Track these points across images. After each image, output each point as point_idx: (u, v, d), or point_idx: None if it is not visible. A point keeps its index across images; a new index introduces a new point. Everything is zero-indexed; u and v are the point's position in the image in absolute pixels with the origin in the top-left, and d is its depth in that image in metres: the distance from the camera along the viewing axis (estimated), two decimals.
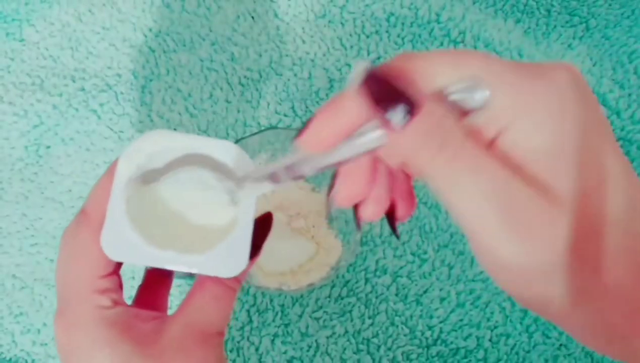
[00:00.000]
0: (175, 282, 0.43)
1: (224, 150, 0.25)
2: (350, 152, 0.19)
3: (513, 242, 0.17)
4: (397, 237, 0.24)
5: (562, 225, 0.17)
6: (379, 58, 0.49)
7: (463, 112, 0.18)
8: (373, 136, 0.19)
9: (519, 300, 0.19)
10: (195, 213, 0.26)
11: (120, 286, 0.26)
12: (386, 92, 0.17)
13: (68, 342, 0.24)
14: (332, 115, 0.19)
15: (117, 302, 0.24)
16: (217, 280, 0.25)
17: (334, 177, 0.22)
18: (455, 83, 0.18)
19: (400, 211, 0.23)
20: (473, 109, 0.18)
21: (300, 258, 0.43)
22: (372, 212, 0.22)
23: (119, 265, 0.25)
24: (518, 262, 0.17)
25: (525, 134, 0.17)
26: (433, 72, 0.18)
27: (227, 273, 0.24)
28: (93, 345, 0.23)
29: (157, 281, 0.31)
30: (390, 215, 0.23)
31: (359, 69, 0.17)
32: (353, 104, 0.18)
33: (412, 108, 0.17)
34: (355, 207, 0.23)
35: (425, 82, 0.18)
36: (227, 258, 0.24)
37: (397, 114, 0.17)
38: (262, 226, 0.26)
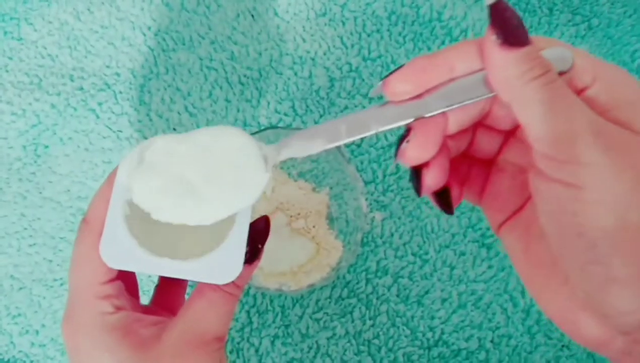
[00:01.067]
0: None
1: (230, 144, 0.24)
2: (436, 102, 0.21)
3: (603, 155, 0.18)
4: (452, 213, 0.24)
5: None
6: (379, 57, 0.49)
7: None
8: (475, 80, 0.20)
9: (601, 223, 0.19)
10: None
11: (132, 290, 0.27)
12: (512, 18, 0.19)
13: (73, 345, 0.25)
14: (431, 60, 0.21)
15: (120, 308, 0.25)
16: (214, 286, 0.25)
17: (405, 131, 0.22)
18: (549, 49, 0.20)
19: (454, 191, 0.24)
20: (561, 71, 0.20)
21: (300, 259, 0.43)
22: (435, 180, 0.22)
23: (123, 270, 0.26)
24: (604, 178, 0.18)
25: (607, 88, 0.20)
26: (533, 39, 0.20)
27: (221, 280, 0.24)
28: (94, 349, 0.24)
29: (172, 282, 0.31)
30: (446, 193, 0.24)
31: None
32: (459, 52, 0.20)
33: (527, 40, 0.19)
34: (417, 173, 0.22)
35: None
36: (222, 265, 0.24)
37: (517, 37, 0.19)
38: (260, 229, 0.26)
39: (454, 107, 0.21)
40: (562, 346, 0.43)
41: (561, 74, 0.20)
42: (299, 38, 0.50)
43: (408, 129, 0.22)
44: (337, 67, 0.49)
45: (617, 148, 0.18)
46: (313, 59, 0.49)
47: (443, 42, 0.49)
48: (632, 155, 0.18)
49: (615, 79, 0.20)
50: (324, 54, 0.49)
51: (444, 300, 0.44)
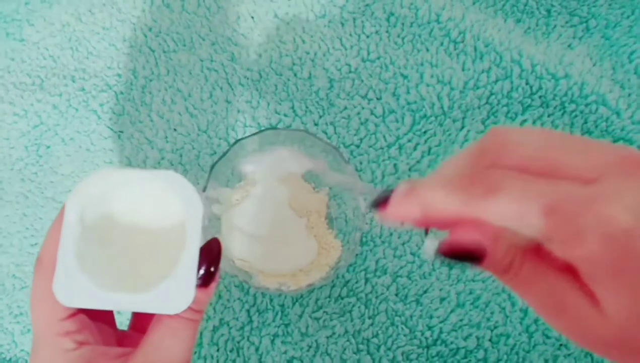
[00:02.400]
0: None
1: (170, 182, 0.25)
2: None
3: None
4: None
5: (605, 331, 0.19)
6: (378, 58, 0.49)
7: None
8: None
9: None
10: (142, 250, 0.26)
11: (98, 319, 0.26)
12: (460, 256, 0.20)
13: None
14: (412, 202, 0.21)
15: (82, 343, 0.25)
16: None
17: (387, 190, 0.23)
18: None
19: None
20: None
21: (304, 261, 0.43)
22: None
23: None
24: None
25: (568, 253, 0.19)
26: (494, 215, 0.20)
27: (173, 310, 0.24)
28: None
29: None
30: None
31: (432, 245, 0.21)
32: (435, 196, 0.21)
33: (481, 259, 0.20)
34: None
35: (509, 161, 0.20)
36: (173, 295, 0.24)
37: (468, 263, 0.20)
38: (212, 252, 0.26)
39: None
40: (560, 345, 0.43)
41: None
42: (299, 39, 0.50)
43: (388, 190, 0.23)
44: (337, 68, 0.49)
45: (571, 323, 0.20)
46: (312, 60, 0.49)
47: (441, 44, 0.49)
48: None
49: (592, 260, 0.19)
50: (324, 55, 0.49)
51: (442, 299, 0.44)
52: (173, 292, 0.24)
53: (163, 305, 0.24)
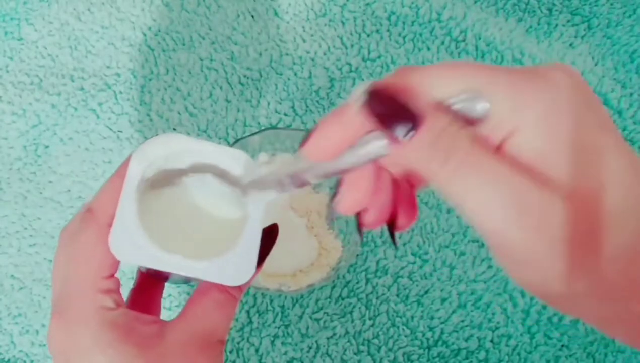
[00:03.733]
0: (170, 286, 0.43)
1: (234, 159, 0.25)
2: (354, 161, 0.20)
3: (520, 231, 0.18)
4: (395, 246, 0.24)
5: (558, 211, 0.17)
6: (379, 57, 0.49)
7: (467, 121, 0.18)
8: (377, 145, 0.19)
9: (533, 291, 0.20)
10: (204, 219, 0.25)
11: (120, 288, 0.26)
12: (389, 108, 0.18)
13: (68, 340, 0.23)
14: (335, 125, 0.20)
15: (119, 304, 0.24)
16: (221, 288, 0.25)
17: (338, 184, 0.22)
18: (456, 95, 0.18)
19: (401, 220, 0.24)
20: (475, 119, 0.18)
21: (305, 261, 0.43)
22: (374, 220, 0.22)
23: (118, 267, 0.25)
24: (525, 249, 0.18)
25: (527, 137, 0.18)
26: (432, 85, 0.18)
27: (234, 282, 0.24)
28: (95, 345, 0.23)
29: (150, 285, 0.30)
30: (391, 224, 0.24)
31: (360, 89, 0.18)
32: (356, 116, 0.19)
33: (416, 122, 0.17)
34: (358, 215, 0.23)
35: (426, 95, 0.18)
36: (235, 267, 0.24)
37: (401, 129, 0.17)
38: (268, 237, 0.26)
39: (365, 163, 0.20)
40: (562, 346, 0.43)
41: (475, 121, 0.18)
42: (299, 38, 0.50)
43: (338, 183, 0.22)
44: (337, 67, 0.49)
45: (528, 220, 0.18)
46: (313, 59, 0.49)
47: (442, 42, 0.49)
48: (541, 226, 0.18)
49: (538, 119, 0.18)
50: (324, 54, 0.49)
51: (443, 300, 0.44)
52: (235, 264, 0.24)
53: (224, 276, 0.24)
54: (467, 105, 0.18)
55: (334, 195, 0.22)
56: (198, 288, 0.25)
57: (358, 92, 0.18)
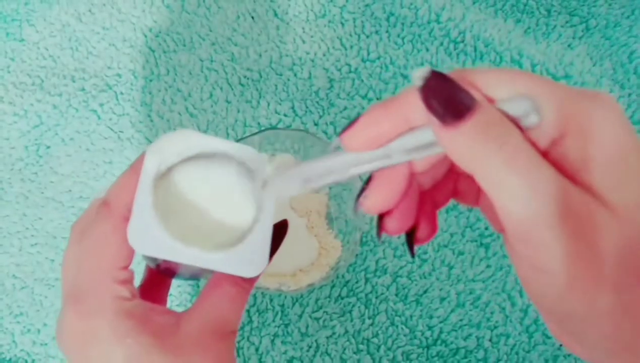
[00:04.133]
0: (176, 282, 0.43)
1: (247, 155, 0.26)
2: (398, 154, 0.19)
3: (556, 233, 0.17)
4: (413, 256, 0.24)
5: (602, 220, 0.17)
6: (378, 58, 0.49)
7: (516, 124, 0.18)
8: (427, 135, 0.19)
9: (546, 303, 0.19)
10: (218, 211, 0.26)
11: (134, 280, 0.26)
12: (447, 90, 0.17)
13: (84, 330, 0.23)
14: (384, 113, 0.19)
15: (135, 295, 0.24)
16: (233, 280, 0.25)
17: (366, 181, 0.21)
18: (511, 99, 0.18)
19: (421, 232, 0.23)
20: (525, 126, 0.18)
21: (305, 261, 0.43)
22: (397, 226, 0.22)
23: (132, 259, 0.25)
24: (557, 252, 0.17)
25: (579, 146, 0.18)
26: (488, 85, 0.18)
27: (249, 273, 0.24)
28: (113, 334, 0.23)
29: (157, 281, 0.31)
30: (411, 235, 0.23)
31: (420, 72, 0.18)
32: (411, 99, 0.18)
33: (472, 107, 0.17)
34: (380, 218, 0.22)
35: (481, 92, 0.18)
36: (249, 259, 0.24)
37: (458, 111, 0.17)
38: (278, 232, 0.26)
39: (414, 157, 0.19)
40: (560, 345, 0.43)
41: (522, 127, 0.18)
42: (299, 39, 0.50)
43: (368, 180, 0.22)
44: (337, 68, 0.49)
45: (579, 232, 0.17)
46: (312, 60, 0.49)
47: (441, 44, 0.50)
48: (589, 240, 0.17)
49: (591, 130, 0.17)
50: (324, 55, 0.49)
51: (442, 299, 0.44)
52: (249, 256, 0.24)
53: (239, 267, 0.24)
54: (518, 109, 0.18)
55: (360, 191, 0.21)
56: (210, 281, 0.26)
57: (418, 74, 0.18)
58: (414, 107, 0.18)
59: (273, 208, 0.25)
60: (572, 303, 0.17)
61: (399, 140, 0.19)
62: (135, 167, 0.25)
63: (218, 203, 0.26)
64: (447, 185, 0.24)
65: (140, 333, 0.23)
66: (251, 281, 0.26)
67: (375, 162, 0.20)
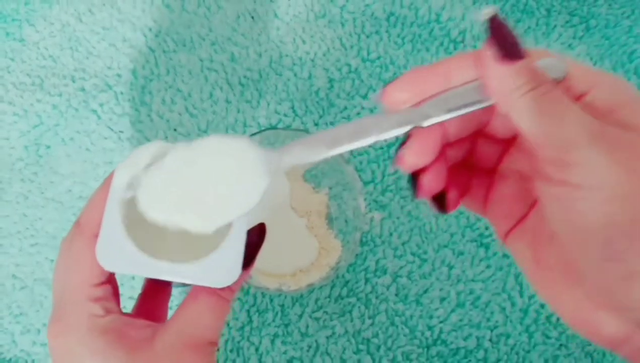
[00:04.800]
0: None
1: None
2: (438, 112, 0.21)
3: (610, 165, 0.18)
4: (446, 213, 0.25)
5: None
6: (378, 58, 0.49)
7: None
8: (472, 89, 0.21)
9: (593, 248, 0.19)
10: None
11: (115, 294, 0.26)
12: (508, 32, 0.20)
13: (61, 348, 0.24)
14: (430, 70, 0.21)
15: (110, 310, 0.25)
16: (210, 290, 0.25)
17: (405, 138, 0.23)
18: (543, 60, 0.21)
19: (452, 194, 0.25)
20: (556, 79, 0.21)
21: (305, 261, 0.43)
22: (432, 183, 0.23)
23: (113, 274, 0.26)
24: (613, 182, 0.18)
25: (604, 93, 0.20)
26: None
27: (220, 284, 0.24)
28: (85, 352, 0.24)
29: (156, 290, 0.31)
30: (440, 199, 0.24)
31: (489, 10, 0.21)
32: (454, 64, 0.21)
33: (523, 53, 0.20)
34: (414, 177, 0.23)
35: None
36: (220, 269, 0.24)
37: (513, 51, 0.20)
38: (257, 236, 0.26)
39: (452, 115, 0.21)
40: (560, 345, 0.43)
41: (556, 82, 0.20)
42: (299, 39, 0.50)
43: (407, 136, 0.23)
44: (337, 68, 0.49)
45: (620, 148, 0.19)
46: (312, 60, 0.49)
47: (441, 43, 0.50)
48: (635, 153, 0.19)
49: (612, 84, 0.21)
50: (324, 55, 0.49)
51: (442, 300, 0.44)
52: (220, 265, 0.24)
53: (209, 278, 0.24)
54: (549, 66, 0.21)
55: (399, 147, 0.23)
56: (191, 291, 0.26)
57: (487, 11, 0.20)
58: (458, 68, 0.21)
59: (246, 215, 0.24)
60: (617, 216, 0.18)
61: (438, 98, 0.21)
62: (107, 185, 0.25)
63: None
64: (462, 179, 0.25)
65: (113, 349, 0.23)
66: (231, 289, 0.26)
67: (412, 121, 0.22)
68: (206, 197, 0.23)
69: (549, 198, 0.20)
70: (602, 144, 0.18)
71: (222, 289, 0.25)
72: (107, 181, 0.25)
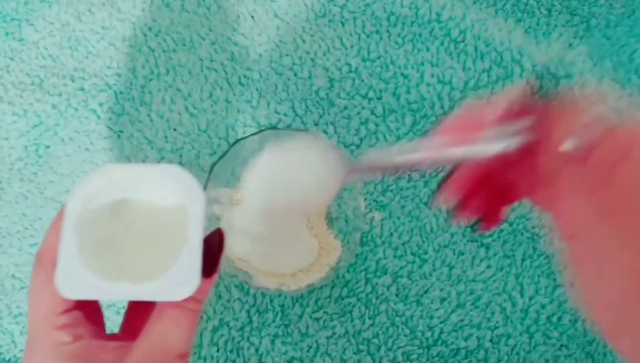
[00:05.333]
0: None
1: (172, 177, 0.26)
2: (495, 142, 0.22)
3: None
4: (478, 235, 0.27)
5: None
6: (379, 57, 0.49)
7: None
8: (523, 125, 0.22)
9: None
10: (145, 241, 0.26)
11: (89, 319, 0.26)
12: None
13: None
14: (487, 107, 0.23)
15: (80, 336, 0.25)
16: (174, 303, 0.25)
17: (451, 170, 0.25)
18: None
19: (488, 223, 0.27)
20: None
21: (305, 261, 0.43)
22: (475, 207, 0.26)
23: (72, 302, 0.26)
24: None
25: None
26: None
27: (178, 297, 0.24)
28: None
29: (140, 307, 0.31)
30: (476, 223, 0.27)
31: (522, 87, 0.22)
32: (516, 96, 0.22)
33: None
34: (454, 207, 0.25)
35: None
36: (177, 282, 0.24)
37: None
38: (215, 242, 0.26)
39: (503, 151, 0.22)
40: (561, 345, 0.43)
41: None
42: (299, 39, 0.50)
43: (452, 170, 0.25)
44: (337, 67, 0.49)
45: None
46: (313, 60, 0.49)
47: (442, 43, 0.49)
48: None
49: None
50: (324, 54, 0.49)
51: (443, 300, 0.44)
52: (177, 279, 0.24)
53: (167, 293, 0.24)
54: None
55: (446, 177, 0.25)
56: (156, 308, 0.26)
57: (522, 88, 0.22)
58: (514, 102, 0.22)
59: (201, 224, 0.25)
60: None
61: (489, 136, 0.22)
62: (62, 215, 0.25)
63: (143, 231, 0.26)
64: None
65: None
66: (195, 300, 0.26)
67: (460, 154, 0.23)
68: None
69: None
70: None
71: (186, 300, 0.25)
72: (62, 212, 0.26)
